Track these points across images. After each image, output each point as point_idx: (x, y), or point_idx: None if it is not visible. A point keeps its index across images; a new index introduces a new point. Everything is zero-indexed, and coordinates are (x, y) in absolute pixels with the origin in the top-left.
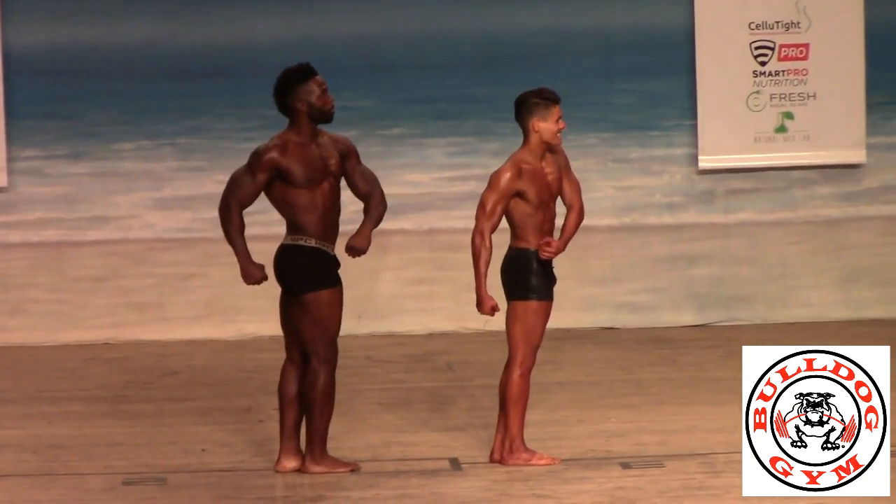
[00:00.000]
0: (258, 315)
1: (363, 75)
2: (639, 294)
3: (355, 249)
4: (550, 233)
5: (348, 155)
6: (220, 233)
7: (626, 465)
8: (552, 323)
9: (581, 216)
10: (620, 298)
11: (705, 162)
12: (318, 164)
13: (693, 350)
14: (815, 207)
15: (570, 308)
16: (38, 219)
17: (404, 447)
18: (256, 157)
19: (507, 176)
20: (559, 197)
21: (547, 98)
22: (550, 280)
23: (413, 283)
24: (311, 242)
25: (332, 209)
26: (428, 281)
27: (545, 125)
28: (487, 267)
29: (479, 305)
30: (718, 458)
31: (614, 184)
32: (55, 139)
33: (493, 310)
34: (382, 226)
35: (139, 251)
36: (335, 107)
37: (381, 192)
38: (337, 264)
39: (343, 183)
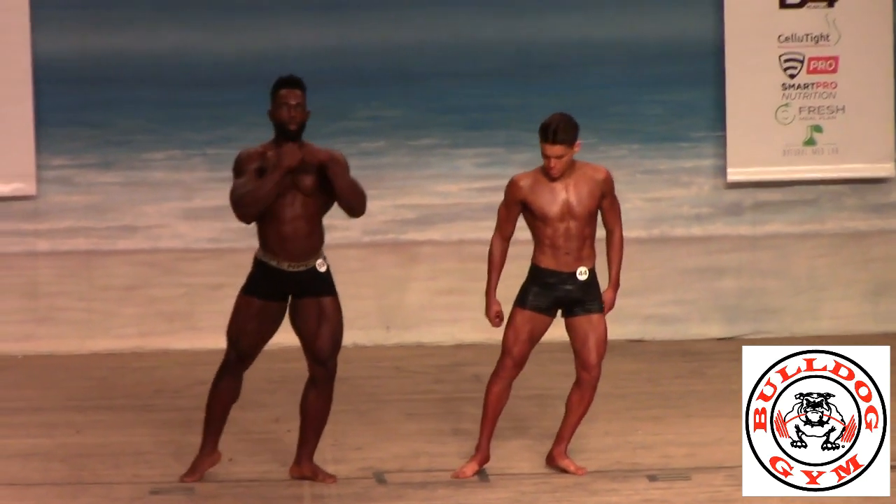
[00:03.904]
0: (285, 325)
1: (393, 85)
2: (666, 306)
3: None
4: (567, 253)
5: (329, 167)
6: (248, 243)
7: (652, 478)
8: None
9: (620, 242)
10: (648, 310)
11: (734, 174)
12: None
13: (720, 363)
14: (843, 220)
15: None
16: (67, 227)
17: (432, 458)
18: (237, 160)
19: (510, 183)
20: (602, 220)
21: (540, 132)
22: (548, 294)
23: (442, 293)
24: (259, 254)
25: (293, 223)
26: (457, 291)
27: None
28: (498, 274)
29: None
30: None
31: (643, 195)
32: (84, 148)
33: (498, 317)
34: (412, 236)
35: (168, 261)
36: (299, 125)
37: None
38: (286, 279)
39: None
